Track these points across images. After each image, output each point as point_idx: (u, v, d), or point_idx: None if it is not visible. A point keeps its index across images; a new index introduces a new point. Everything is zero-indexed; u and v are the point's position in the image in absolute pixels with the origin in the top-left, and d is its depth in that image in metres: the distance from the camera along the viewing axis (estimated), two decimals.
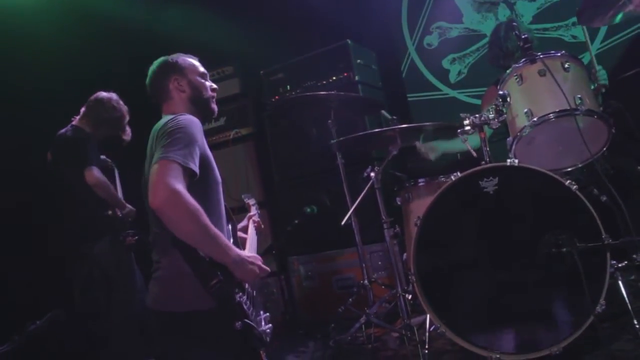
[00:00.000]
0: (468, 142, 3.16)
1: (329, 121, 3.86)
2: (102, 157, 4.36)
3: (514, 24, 3.50)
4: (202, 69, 2.64)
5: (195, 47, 5.33)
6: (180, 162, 2.11)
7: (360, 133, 3.51)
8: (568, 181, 2.70)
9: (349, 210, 3.77)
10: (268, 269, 2.35)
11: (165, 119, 2.35)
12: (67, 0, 5.01)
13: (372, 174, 3.54)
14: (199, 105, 2.56)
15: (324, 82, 4.82)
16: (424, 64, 5.50)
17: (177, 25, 5.45)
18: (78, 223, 3.89)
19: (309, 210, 4.51)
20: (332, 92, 3.71)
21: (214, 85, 2.65)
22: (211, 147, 5.10)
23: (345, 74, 4.75)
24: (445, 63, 5.39)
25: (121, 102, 4.15)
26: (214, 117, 2.70)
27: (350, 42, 4.81)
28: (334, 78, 4.78)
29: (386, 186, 3.76)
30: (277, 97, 5.02)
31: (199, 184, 2.22)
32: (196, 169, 2.16)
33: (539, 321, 2.71)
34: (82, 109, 4.07)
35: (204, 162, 2.26)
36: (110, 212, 3.95)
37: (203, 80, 2.60)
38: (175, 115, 2.33)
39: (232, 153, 5.21)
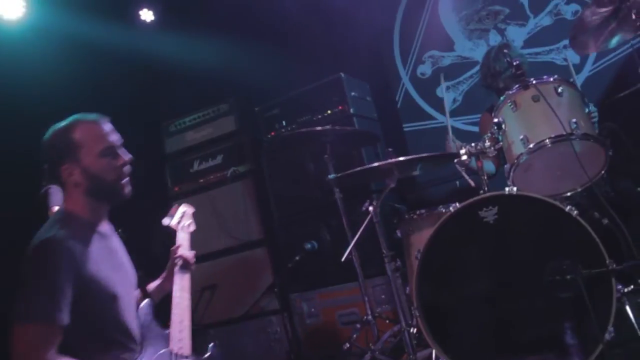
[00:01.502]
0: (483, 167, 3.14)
1: (326, 156, 3.85)
2: None
3: (505, 51, 3.52)
4: (106, 142, 2.16)
5: (190, 85, 5.47)
6: (45, 321, 1.85)
7: (357, 169, 3.47)
8: (568, 207, 2.66)
9: (349, 244, 3.73)
10: None
11: (38, 235, 2.02)
12: (61, 34, 5.01)
13: (371, 208, 3.50)
14: (99, 195, 2.16)
15: (319, 116, 4.81)
16: (418, 93, 5.51)
17: (173, 65, 5.48)
18: None
19: (309, 246, 4.48)
20: (328, 128, 3.70)
21: (124, 158, 2.20)
22: (208, 186, 5.16)
23: (340, 107, 4.75)
24: (439, 91, 5.40)
25: None
26: (127, 199, 2.25)
27: (344, 75, 4.82)
28: (329, 112, 4.78)
29: (386, 218, 3.73)
30: (273, 133, 5.02)
31: (79, 314, 1.97)
32: (63, 318, 1.89)
33: (547, 351, 2.64)
34: None
35: (84, 288, 1.99)
36: None
37: (107, 159, 2.15)
38: (42, 241, 1.99)
39: (230, 191, 5.18)
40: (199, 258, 5.12)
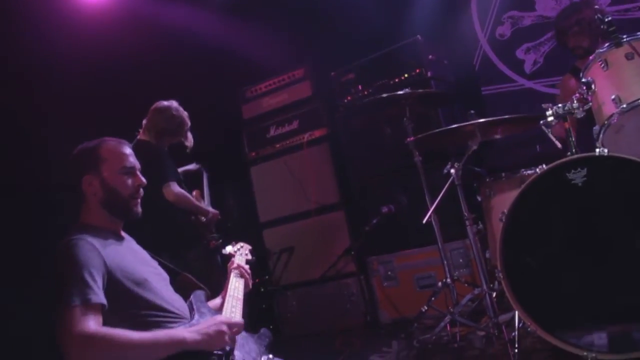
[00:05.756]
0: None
1: (405, 119, 3.83)
2: (192, 164, 4.52)
3: (596, 6, 3.39)
4: (127, 162, 2.34)
5: (265, 52, 5.51)
6: (80, 303, 1.92)
7: (442, 128, 3.45)
8: None
9: (425, 207, 3.73)
10: (237, 321, 2.15)
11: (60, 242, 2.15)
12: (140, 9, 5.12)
13: (452, 171, 3.47)
14: (112, 209, 2.30)
15: (396, 79, 4.77)
16: (497, 55, 5.36)
17: (247, 32, 5.54)
18: (167, 233, 3.82)
19: (386, 209, 4.50)
20: (408, 91, 3.68)
21: (141, 181, 2.36)
22: (285, 151, 5.23)
23: (417, 71, 4.70)
24: (520, 53, 5.24)
25: (180, 110, 4.11)
26: (137, 218, 2.37)
27: (421, 38, 4.76)
28: (406, 75, 4.73)
29: (463, 182, 3.68)
30: (349, 98, 5.02)
31: (116, 300, 2.04)
32: (99, 298, 1.97)
33: (633, 320, 2.56)
34: (144, 121, 4.08)
35: (113, 275, 2.09)
36: (194, 219, 4.04)
37: (124, 177, 2.31)
38: (64, 242, 2.10)
39: (306, 155, 5.24)
40: (277, 221, 5.36)
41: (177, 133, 4.09)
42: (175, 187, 3.85)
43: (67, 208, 2.47)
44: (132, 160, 2.38)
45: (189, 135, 4.16)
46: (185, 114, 4.12)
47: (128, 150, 2.39)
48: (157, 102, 4.10)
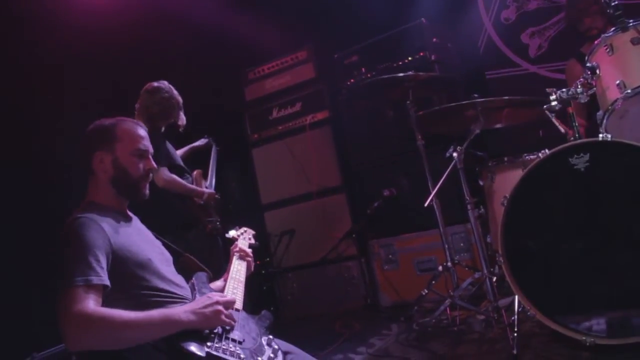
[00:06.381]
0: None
1: (408, 102, 3.82)
2: (201, 139, 4.57)
3: None
4: (141, 145, 2.33)
5: (268, 33, 5.47)
6: (82, 283, 1.91)
7: (443, 106, 3.43)
8: None
9: (427, 191, 3.73)
10: (230, 298, 2.15)
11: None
12: None
13: (455, 154, 3.47)
14: (121, 188, 2.30)
15: (400, 62, 4.74)
16: (501, 39, 5.33)
17: (251, 12, 5.50)
18: (164, 217, 3.63)
19: (387, 192, 4.50)
20: (410, 74, 3.66)
21: (152, 165, 2.36)
22: (287, 133, 5.20)
23: (421, 54, 4.67)
24: (524, 37, 5.21)
25: (171, 90, 4.00)
26: (144, 200, 2.36)
27: (425, 21, 4.72)
28: (410, 58, 4.71)
29: (466, 166, 3.68)
30: (352, 80, 5.00)
31: (119, 280, 2.04)
32: (101, 279, 1.96)
33: (633, 306, 2.57)
34: (137, 104, 3.99)
35: (117, 255, 2.09)
36: (189, 202, 4.02)
37: (136, 159, 2.31)
38: (70, 220, 2.10)
39: (309, 138, 5.22)
40: (278, 203, 5.36)
41: (169, 115, 3.99)
42: (164, 173, 3.81)
43: (75, 185, 2.47)
44: (146, 143, 2.37)
45: (182, 115, 4.06)
46: (176, 93, 4.03)
47: (143, 132, 2.38)
48: (147, 84, 4.02)
